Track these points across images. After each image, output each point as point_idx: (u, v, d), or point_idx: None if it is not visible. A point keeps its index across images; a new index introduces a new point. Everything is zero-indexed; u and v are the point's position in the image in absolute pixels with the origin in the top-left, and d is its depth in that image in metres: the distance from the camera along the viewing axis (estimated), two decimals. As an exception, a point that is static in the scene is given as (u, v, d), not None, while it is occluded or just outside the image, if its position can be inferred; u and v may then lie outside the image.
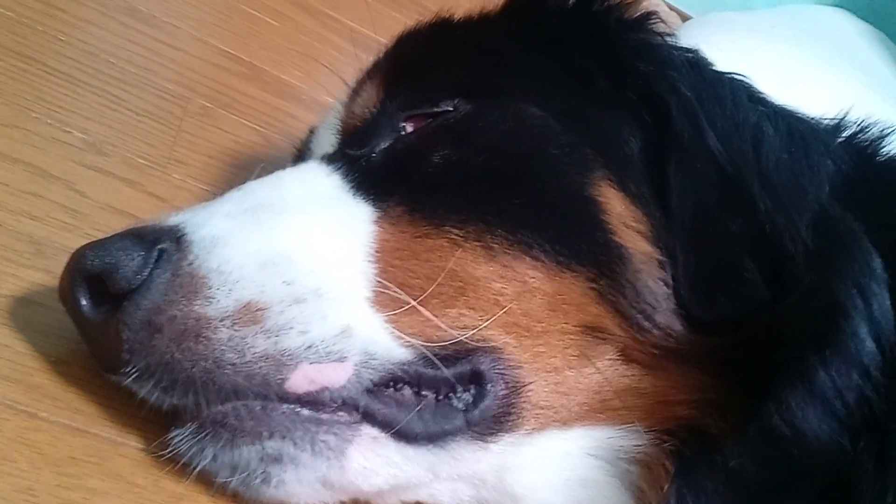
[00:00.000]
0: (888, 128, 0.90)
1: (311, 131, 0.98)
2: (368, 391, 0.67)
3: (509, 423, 0.72)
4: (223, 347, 0.64)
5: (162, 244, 0.68)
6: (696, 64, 0.87)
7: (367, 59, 0.90)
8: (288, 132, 1.23)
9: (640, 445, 0.73)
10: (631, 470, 0.73)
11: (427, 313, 0.69)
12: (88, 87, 1.05)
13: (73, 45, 1.10)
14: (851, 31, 2.33)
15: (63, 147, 0.94)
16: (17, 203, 0.84)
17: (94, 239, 0.81)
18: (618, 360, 0.75)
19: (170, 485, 0.67)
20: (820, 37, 2.14)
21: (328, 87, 1.39)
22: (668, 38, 0.89)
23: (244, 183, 0.97)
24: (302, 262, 0.69)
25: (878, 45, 2.35)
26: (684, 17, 2.59)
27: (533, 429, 0.73)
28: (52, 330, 0.73)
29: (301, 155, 0.96)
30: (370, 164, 0.80)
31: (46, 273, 0.78)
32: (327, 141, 0.89)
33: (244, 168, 1.09)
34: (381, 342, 0.68)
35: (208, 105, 1.17)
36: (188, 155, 1.06)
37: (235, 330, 0.65)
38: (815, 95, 1.54)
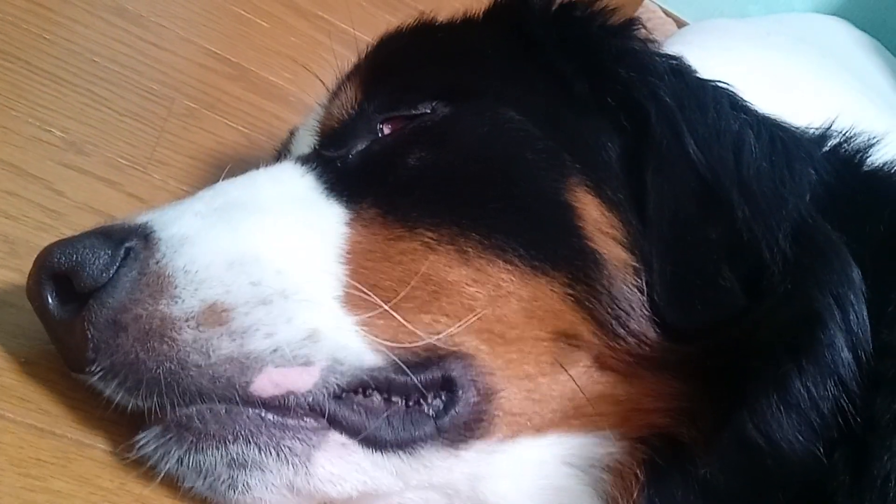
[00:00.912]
0: (873, 138, 0.90)
1: (292, 132, 0.98)
2: (336, 397, 0.66)
3: (481, 430, 0.71)
4: (188, 349, 0.64)
5: (129, 242, 0.67)
6: (678, 71, 0.86)
7: (352, 60, 0.89)
8: (272, 133, 1.22)
9: (613, 453, 0.73)
10: (604, 478, 0.73)
11: (398, 317, 0.68)
12: (71, 86, 1.05)
13: (57, 44, 1.09)
14: (847, 39, 2.33)
15: (43, 146, 0.94)
16: (-9, 201, 0.83)
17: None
18: (592, 366, 0.74)
19: (136, 488, 0.66)
20: (815, 45, 2.14)
21: (316, 89, 1.40)
22: (650, 45, 0.88)
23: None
24: (269, 262, 0.68)
25: (874, 55, 2.35)
26: (680, 24, 2.59)
27: (505, 436, 0.73)
28: (23, 331, 0.73)
29: (280, 156, 0.96)
30: (345, 166, 0.79)
31: (18, 273, 0.77)
32: (306, 142, 0.88)
33: (226, 171, 1.08)
34: (351, 346, 0.67)
35: (193, 106, 1.16)
36: (170, 156, 1.05)
37: (200, 331, 0.64)
38: (807, 104, 1.54)
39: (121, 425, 0.68)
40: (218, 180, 1.04)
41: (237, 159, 1.12)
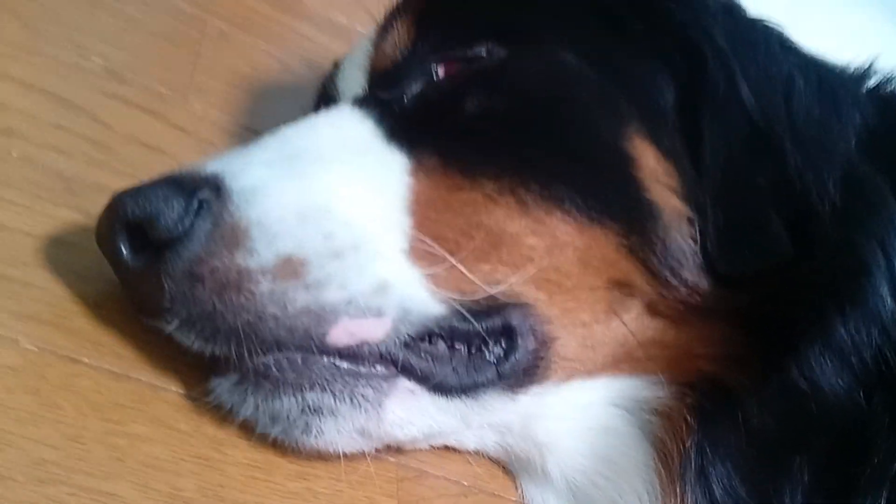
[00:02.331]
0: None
1: (336, 65, 0.96)
2: (406, 345, 0.68)
3: (538, 376, 0.73)
4: (265, 300, 0.65)
5: (202, 194, 0.67)
6: (730, 10, 0.86)
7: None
8: (304, 56, 1.21)
9: (661, 397, 0.75)
10: (652, 421, 0.76)
11: (462, 268, 0.70)
12: (102, 5, 1.03)
13: (84, -39, 1.06)
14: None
15: (84, 74, 0.93)
16: (43, 136, 0.82)
17: (121, 174, 0.81)
18: (643, 313, 0.76)
19: (211, 430, 0.68)
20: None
21: (341, 5, 1.37)
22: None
23: (263, 111, 0.96)
24: (339, 214, 0.69)
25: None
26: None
27: (560, 379, 0.75)
28: (89, 272, 0.73)
29: (327, 91, 0.94)
30: (403, 111, 0.79)
31: (78, 212, 0.77)
32: (355, 80, 0.87)
33: (263, 97, 1.08)
34: (417, 297, 0.68)
35: (224, 29, 1.14)
36: (207, 82, 1.04)
37: (277, 283, 0.65)
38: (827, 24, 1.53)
39: (192, 367, 0.69)
40: (256, 108, 1.04)
41: (273, 85, 1.11)
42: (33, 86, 0.87)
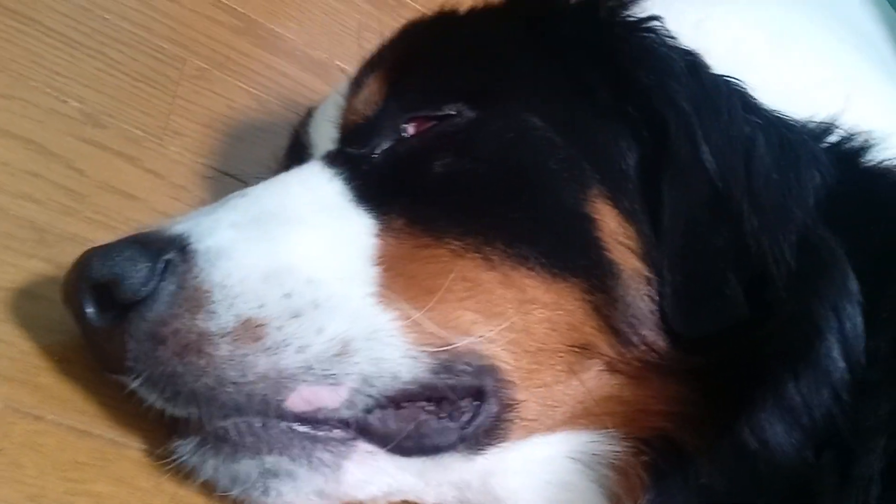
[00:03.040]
0: (875, 136, 0.92)
1: (310, 113, 0.98)
2: (365, 410, 0.69)
3: (499, 437, 0.75)
4: (224, 365, 0.66)
5: (167, 254, 0.68)
6: (694, 69, 0.87)
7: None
8: (282, 94, 1.23)
9: (618, 452, 0.77)
10: (609, 476, 0.77)
11: (429, 324, 0.71)
12: (84, 48, 1.04)
13: (68, 1, 1.08)
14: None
15: (61, 119, 0.94)
16: (17, 185, 0.84)
17: (94, 223, 0.83)
18: (603, 370, 0.77)
19: (171, 488, 0.69)
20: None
21: (320, 41, 1.39)
22: (669, 41, 0.89)
23: (239, 153, 0.98)
24: (302, 273, 0.70)
25: (870, 4, 2.33)
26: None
27: (519, 438, 0.76)
28: (56, 325, 0.74)
29: (300, 139, 0.96)
30: (371, 168, 0.81)
31: (49, 264, 0.79)
32: (327, 133, 0.89)
33: (239, 138, 1.09)
34: (384, 356, 0.69)
35: (204, 66, 1.16)
36: (184, 124, 1.06)
37: (236, 347, 0.66)
38: (805, 62, 1.55)
39: (157, 424, 0.70)
40: (232, 150, 1.05)
41: (249, 126, 1.13)
42: (8, 132, 0.88)
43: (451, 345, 0.71)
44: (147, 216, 0.89)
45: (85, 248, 0.70)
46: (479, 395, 0.73)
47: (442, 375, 0.71)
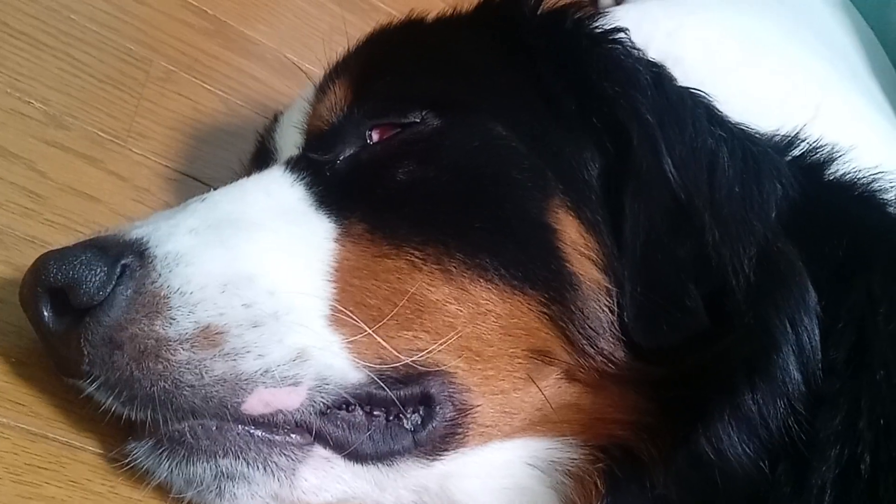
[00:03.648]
0: (838, 149, 0.93)
1: (276, 119, 0.98)
2: (321, 413, 0.70)
3: (455, 443, 0.75)
4: (182, 369, 0.66)
5: (125, 259, 0.68)
6: (659, 82, 0.88)
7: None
8: (250, 97, 1.22)
9: (575, 459, 0.77)
10: (565, 482, 0.78)
11: (379, 339, 0.71)
12: (50, 49, 1.03)
13: (35, 2, 1.07)
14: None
15: (23, 120, 0.93)
16: (-23, 187, 0.83)
17: (55, 225, 0.82)
18: (561, 379, 0.78)
19: (126, 491, 0.69)
20: (785, 5, 2.14)
21: (291, 45, 1.39)
22: (635, 52, 0.90)
23: (204, 156, 0.97)
24: (262, 284, 0.70)
25: (843, 15, 2.35)
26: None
27: (476, 444, 0.77)
28: (12, 328, 0.74)
29: (265, 145, 0.96)
30: (334, 174, 0.81)
31: (6, 265, 0.78)
32: (292, 138, 0.89)
33: (205, 141, 1.09)
34: (335, 366, 0.70)
35: (171, 68, 1.15)
36: (149, 126, 1.05)
37: (194, 352, 0.66)
38: (777, 72, 1.57)
39: (111, 427, 0.70)
40: (197, 153, 1.05)
41: (216, 129, 1.12)
42: (-30, 134, 0.88)
43: (397, 361, 0.72)
44: (109, 219, 0.89)
45: (44, 251, 0.70)
46: (427, 400, 0.74)
47: (390, 384, 0.71)
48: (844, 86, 1.79)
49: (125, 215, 0.90)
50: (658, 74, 0.89)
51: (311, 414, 0.69)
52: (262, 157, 0.95)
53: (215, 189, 0.80)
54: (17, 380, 0.71)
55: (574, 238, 0.78)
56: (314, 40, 1.42)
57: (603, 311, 0.77)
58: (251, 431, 0.68)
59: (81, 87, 1.02)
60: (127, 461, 0.69)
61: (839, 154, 0.92)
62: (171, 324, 0.67)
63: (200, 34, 1.26)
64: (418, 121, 0.82)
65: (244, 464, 0.68)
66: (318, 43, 1.41)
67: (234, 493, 0.69)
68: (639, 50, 0.91)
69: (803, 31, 2.06)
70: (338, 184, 0.80)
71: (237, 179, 0.85)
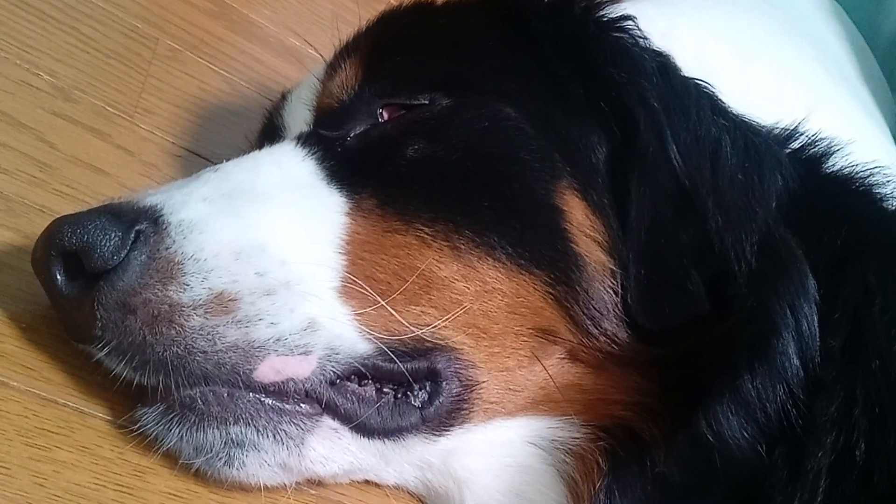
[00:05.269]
0: (836, 142, 0.94)
1: (284, 97, 0.98)
2: (331, 384, 0.70)
3: (460, 419, 0.76)
4: (195, 335, 0.66)
5: (139, 225, 0.69)
6: (665, 70, 0.89)
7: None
8: (253, 78, 1.23)
9: (577, 438, 0.78)
10: (567, 461, 0.78)
11: (391, 310, 0.72)
12: (57, 23, 1.03)
13: (42, -24, 1.07)
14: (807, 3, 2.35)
15: (32, 92, 0.93)
16: (-14, 154, 0.83)
17: (63, 195, 0.82)
18: (564, 359, 0.79)
19: (135, 458, 0.69)
20: (777, 8, 2.15)
21: (294, 29, 1.39)
22: (641, 41, 0.91)
23: (209, 134, 0.98)
24: (274, 253, 0.71)
25: (834, 20, 2.37)
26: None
27: (480, 420, 0.78)
28: (23, 294, 0.74)
29: (273, 122, 0.96)
30: (345, 150, 0.81)
31: (16, 232, 0.78)
32: (301, 115, 0.89)
33: (210, 120, 1.09)
34: (345, 336, 0.71)
35: (176, 47, 1.16)
36: (155, 103, 1.05)
37: (207, 319, 0.67)
38: (768, 74, 1.58)
39: (122, 394, 0.70)
40: (202, 131, 1.05)
41: (220, 108, 1.13)
42: (-22, 102, 0.88)
43: (405, 334, 0.72)
44: (116, 191, 0.89)
45: (52, 220, 0.70)
46: (434, 375, 0.74)
47: (398, 357, 0.72)
48: (835, 89, 1.81)
49: (132, 188, 0.90)
50: (664, 64, 0.90)
51: (320, 383, 0.70)
52: (269, 134, 0.96)
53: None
54: (28, 345, 0.71)
55: (580, 220, 0.79)
56: (317, 25, 1.43)
57: (607, 292, 0.78)
58: (262, 399, 0.69)
59: (89, 62, 1.02)
60: (136, 427, 0.69)
61: (837, 148, 0.93)
62: (184, 290, 0.67)
63: (205, 15, 1.27)
64: (428, 101, 0.82)
65: (254, 431, 0.69)
66: (321, 28, 1.42)
67: (244, 461, 0.69)
68: (645, 39, 0.92)
69: (795, 35, 2.08)
70: (348, 160, 0.80)
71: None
